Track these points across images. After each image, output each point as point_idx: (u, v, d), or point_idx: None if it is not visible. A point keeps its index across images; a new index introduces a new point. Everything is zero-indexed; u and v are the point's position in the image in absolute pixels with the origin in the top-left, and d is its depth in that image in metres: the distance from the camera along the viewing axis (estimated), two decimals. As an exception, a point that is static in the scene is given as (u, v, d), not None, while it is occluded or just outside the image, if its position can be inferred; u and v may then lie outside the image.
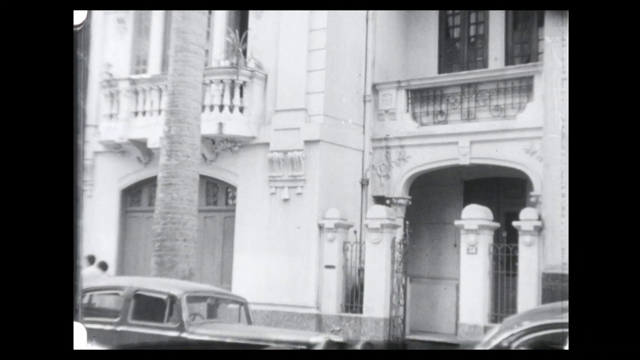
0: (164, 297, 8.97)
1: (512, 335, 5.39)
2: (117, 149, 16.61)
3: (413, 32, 16.83)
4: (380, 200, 15.48)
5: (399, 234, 14.16)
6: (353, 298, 14.25)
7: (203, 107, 14.28)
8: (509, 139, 14.17)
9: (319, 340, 8.21)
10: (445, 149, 14.95)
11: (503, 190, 15.95)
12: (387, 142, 15.57)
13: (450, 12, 16.68)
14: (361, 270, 14.26)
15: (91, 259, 13.64)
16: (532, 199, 13.86)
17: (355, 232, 14.45)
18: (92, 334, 9.07)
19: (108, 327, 9.04)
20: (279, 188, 14.84)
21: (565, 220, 11.81)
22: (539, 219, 12.46)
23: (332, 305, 14.09)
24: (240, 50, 15.30)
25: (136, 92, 16.10)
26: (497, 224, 13.34)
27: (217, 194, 16.01)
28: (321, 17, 14.80)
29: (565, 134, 12.05)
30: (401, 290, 13.98)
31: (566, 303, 5.21)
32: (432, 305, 15.85)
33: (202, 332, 8.64)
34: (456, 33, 16.83)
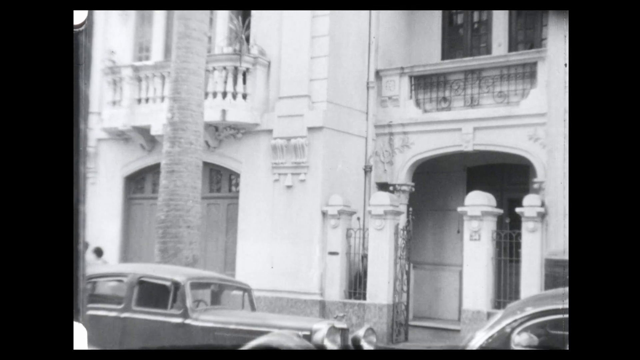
0: (167, 283, 8.97)
1: (515, 320, 5.40)
2: (120, 136, 16.62)
3: (416, 19, 16.77)
4: (383, 187, 15.50)
5: (402, 220, 14.17)
6: (356, 284, 14.28)
7: (206, 94, 14.25)
8: (512, 126, 14.16)
9: (321, 327, 8.20)
10: (449, 136, 14.94)
11: (506, 177, 15.96)
12: (391, 129, 15.56)
13: (453, -2, 16.58)
14: (364, 257, 14.28)
15: (85, 245, 13.64)
16: (536, 186, 13.86)
17: (358, 218, 14.47)
18: (97, 321, 9.12)
19: (112, 314, 9.06)
20: (282, 175, 14.85)
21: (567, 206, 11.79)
22: (542, 205, 12.45)
23: (335, 291, 14.13)
24: (243, 36, 15.27)
25: (139, 79, 16.09)
26: (500, 211, 13.33)
27: (221, 180, 16.03)
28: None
29: (567, 119, 12.01)
30: (404, 276, 14.00)
31: (567, 289, 5.22)
32: (435, 291, 15.89)
33: (206, 319, 8.64)
34: (459, 19, 16.78)
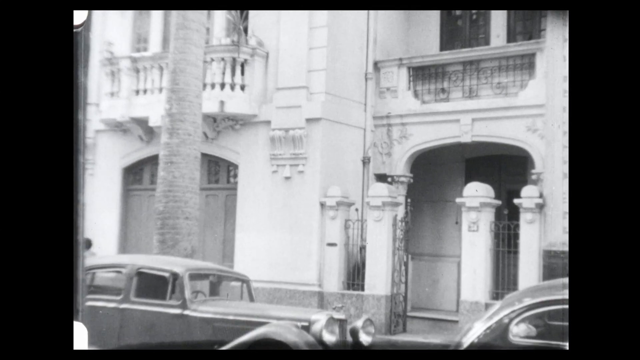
0: (166, 274, 9.00)
1: (513, 312, 5.42)
2: (118, 127, 16.59)
3: (414, 11, 16.73)
4: (382, 178, 15.50)
5: (400, 211, 14.18)
6: (355, 275, 14.30)
7: (204, 85, 14.26)
8: (510, 117, 14.15)
9: (320, 317, 8.24)
10: (447, 127, 14.94)
11: (504, 168, 15.95)
12: (389, 120, 15.55)
13: (452, -11, 16.56)
14: (363, 248, 14.30)
15: (88, 244, 13.69)
16: (534, 177, 13.86)
17: (356, 209, 14.46)
18: (95, 312, 9.14)
19: (111, 305, 9.09)
20: (280, 166, 14.84)
21: (566, 197, 11.82)
22: (541, 196, 12.46)
23: (333, 282, 14.14)
24: (242, 27, 15.24)
25: (137, 70, 16.05)
26: (499, 202, 13.34)
27: (219, 172, 16.02)
28: (323, -6, 14.72)
29: (565, 107, 12.02)
30: (402, 267, 14.02)
31: (566, 280, 5.23)
32: (433, 282, 15.91)
33: (205, 309, 8.67)
34: (458, 11, 16.74)
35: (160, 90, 15.22)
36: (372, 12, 15.73)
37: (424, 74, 15.43)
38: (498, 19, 16.02)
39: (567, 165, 11.88)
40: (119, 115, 16.08)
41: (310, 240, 14.42)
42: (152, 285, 9.16)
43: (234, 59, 14.96)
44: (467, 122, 14.63)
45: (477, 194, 12.87)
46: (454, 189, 16.05)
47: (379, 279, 13.62)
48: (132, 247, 16.26)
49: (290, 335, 7.92)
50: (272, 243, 14.68)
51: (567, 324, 5.20)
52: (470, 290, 12.86)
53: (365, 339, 8.69)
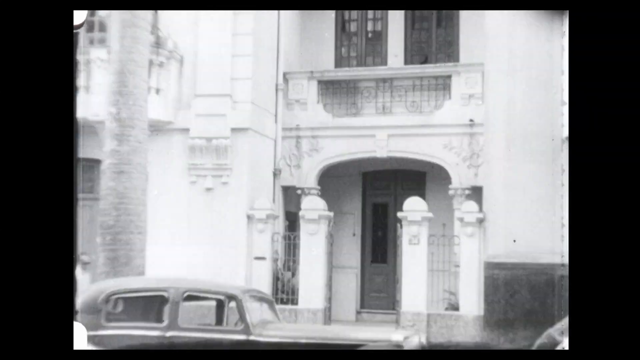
0: (222, 297, 8.36)
1: None
2: None
3: (310, 24, 16.85)
4: (289, 190, 15.45)
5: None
6: (276, 290, 14.09)
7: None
8: (427, 134, 14.84)
9: (405, 336, 8.14)
10: (361, 141, 15.26)
11: (399, 182, 16.65)
12: (298, 132, 15.51)
13: (346, 6, 16.93)
14: (288, 262, 14.18)
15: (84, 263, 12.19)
16: (451, 192, 14.68)
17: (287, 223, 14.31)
18: (133, 342, 8.19)
19: (154, 333, 8.19)
20: (200, 177, 14.17)
21: (510, 215, 12.67)
22: (480, 211, 13.24)
23: (265, 297, 13.80)
24: (159, 28, 14.31)
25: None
26: (431, 214, 13.77)
27: (126, 181, 14.82)
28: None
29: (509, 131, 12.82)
30: (330, 281, 14.12)
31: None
32: (333, 294, 16.09)
33: (272, 334, 8.16)
34: (353, 27, 17.16)
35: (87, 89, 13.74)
36: (281, 22, 15.58)
37: (334, 88, 15.62)
38: (395, 38, 16.70)
39: (506, 178, 12.76)
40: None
41: (237, 253, 13.96)
42: (194, 309, 8.45)
43: (150, 61, 13.98)
44: (383, 138, 15.08)
45: (418, 208, 13.36)
46: (350, 201, 16.47)
47: (315, 292, 13.59)
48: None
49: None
50: (191, 257, 13.94)
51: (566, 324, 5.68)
52: (411, 301, 13.27)
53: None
